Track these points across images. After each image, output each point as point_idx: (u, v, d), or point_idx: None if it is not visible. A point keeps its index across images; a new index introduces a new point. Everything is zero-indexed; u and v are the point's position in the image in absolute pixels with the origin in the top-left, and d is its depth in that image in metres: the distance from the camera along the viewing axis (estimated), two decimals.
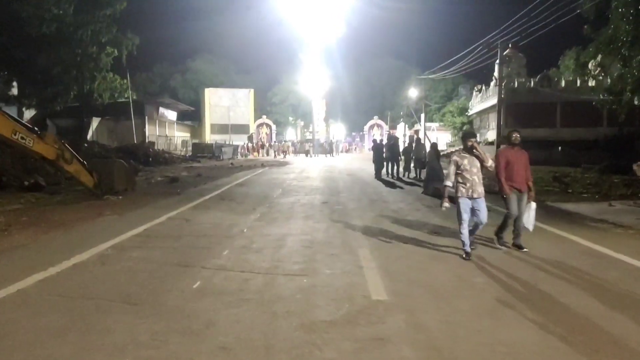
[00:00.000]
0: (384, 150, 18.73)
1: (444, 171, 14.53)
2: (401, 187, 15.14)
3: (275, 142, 59.28)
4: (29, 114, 31.19)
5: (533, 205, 6.37)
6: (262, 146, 54.52)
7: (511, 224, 6.35)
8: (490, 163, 5.98)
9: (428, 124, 52.38)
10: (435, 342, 3.43)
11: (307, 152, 50.16)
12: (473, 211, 5.94)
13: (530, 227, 6.35)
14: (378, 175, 18.25)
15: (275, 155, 49.80)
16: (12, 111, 29.22)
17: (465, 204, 5.90)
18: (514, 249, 6.30)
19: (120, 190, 12.79)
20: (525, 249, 6.24)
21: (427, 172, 14.01)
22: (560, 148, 33.27)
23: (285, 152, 51.07)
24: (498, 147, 20.51)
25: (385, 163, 18.65)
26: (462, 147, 6.19)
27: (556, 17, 21.36)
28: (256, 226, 8.16)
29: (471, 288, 4.76)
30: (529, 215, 6.31)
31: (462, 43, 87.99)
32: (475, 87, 53.60)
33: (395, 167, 18.89)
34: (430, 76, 42.59)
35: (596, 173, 19.28)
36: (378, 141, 20.10)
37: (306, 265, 5.58)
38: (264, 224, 8.35)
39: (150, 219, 8.59)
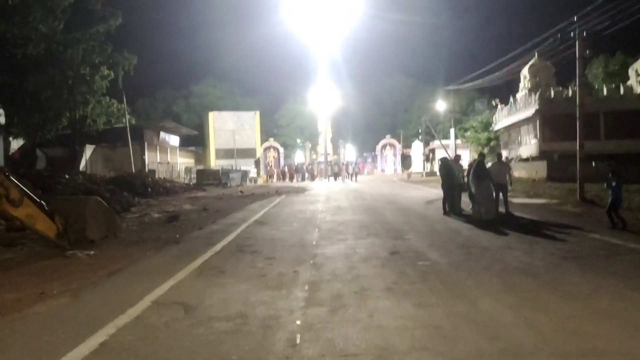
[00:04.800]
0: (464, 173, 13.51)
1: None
2: (478, 222, 11.26)
3: (309, 165, 54.95)
4: (17, 144, 27.88)
5: None
6: (297, 170, 49.01)
7: None
8: None
9: (445, 142, 49.13)
10: None
11: (314, 176, 46.37)
12: None
13: None
14: (445, 207, 12.85)
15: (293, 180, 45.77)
16: None
17: None
18: None
19: (97, 239, 9.20)
20: None
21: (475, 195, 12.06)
22: (593, 163, 29.39)
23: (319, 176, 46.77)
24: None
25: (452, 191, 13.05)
26: None
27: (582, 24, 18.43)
28: (314, 322, 4.36)
29: None
30: None
31: (473, 58, 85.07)
32: (493, 101, 49.95)
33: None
34: (460, 86, 39.18)
35: None
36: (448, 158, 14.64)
37: None
38: (326, 315, 4.55)
39: (122, 307, 4.84)
